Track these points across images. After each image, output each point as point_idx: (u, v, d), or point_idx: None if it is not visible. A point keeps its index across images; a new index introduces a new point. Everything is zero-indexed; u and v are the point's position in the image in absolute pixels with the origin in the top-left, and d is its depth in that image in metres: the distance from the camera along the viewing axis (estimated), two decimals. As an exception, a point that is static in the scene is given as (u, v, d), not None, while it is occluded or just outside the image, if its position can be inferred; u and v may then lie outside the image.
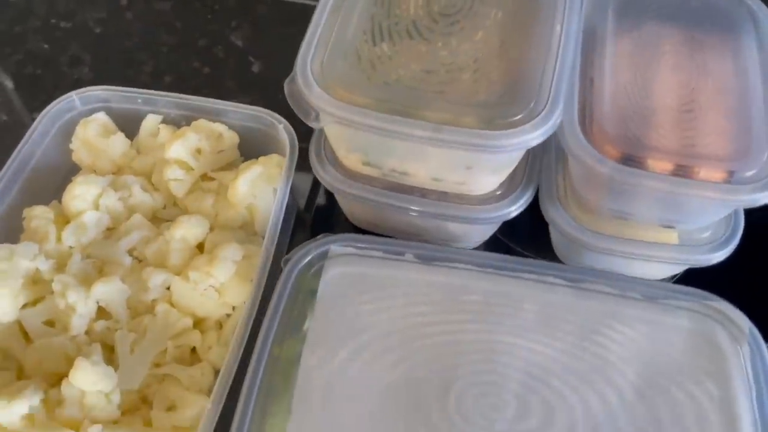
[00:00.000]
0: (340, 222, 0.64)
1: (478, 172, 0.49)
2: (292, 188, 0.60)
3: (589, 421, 0.44)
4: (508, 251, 0.62)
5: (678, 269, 0.58)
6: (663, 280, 0.58)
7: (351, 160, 0.52)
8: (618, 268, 0.57)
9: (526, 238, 0.62)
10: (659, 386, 0.45)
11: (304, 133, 0.59)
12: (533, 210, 0.55)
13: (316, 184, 0.67)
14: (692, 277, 0.57)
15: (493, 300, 0.49)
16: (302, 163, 0.57)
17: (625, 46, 0.53)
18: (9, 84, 0.75)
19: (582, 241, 0.53)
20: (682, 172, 0.46)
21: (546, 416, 0.44)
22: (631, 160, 0.47)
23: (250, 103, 0.72)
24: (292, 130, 0.59)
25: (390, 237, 0.53)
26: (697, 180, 0.46)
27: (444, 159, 0.48)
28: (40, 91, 0.74)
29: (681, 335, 0.48)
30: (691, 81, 0.51)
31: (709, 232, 0.53)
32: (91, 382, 0.45)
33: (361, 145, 0.50)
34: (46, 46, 0.78)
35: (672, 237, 0.53)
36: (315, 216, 0.66)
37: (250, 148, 0.62)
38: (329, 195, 0.63)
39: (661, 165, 0.47)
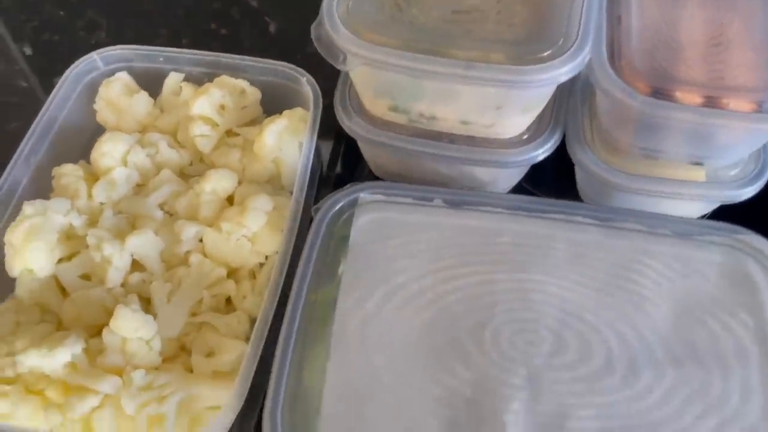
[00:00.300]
0: (364, 178, 0.65)
1: (508, 112, 0.49)
2: (317, 144, 0.60)
3: (624, 353, 0.44)
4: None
5: (707, 208, 0.58)
6: (691, 221, 0.58)
7: (378, 106, 0.52)
8: (646, 208, 0.57)
9: (551, 185, 0.62)
10: (694, 318, 0.46)
11: (326, 90, 0.59)
12: (558, 157, 0.55)
13: (337, 144, 0.67)
14: (720, 217, 0.57)
15: (523, 241, 0.49)
16: (323, 123, 0.57)
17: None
18: (28, 50, 0.75)
19: (610, 182, 0.53)
20: (711, 103, 0.46)
21: (582, 350, 0.44)
22: (660, 93, 0.47)
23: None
24: (315, 83, 0.59)
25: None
26: (727, 110, 0.46)
27: (474, 99, 0.48)
28: (58, 57, 0.74)
29: (713, 269, 0.48)
30: (718, 17, 0.51)
31: (738, 169, 0.53)
32: (132, 329, 0.45)
33: (388, 89, 0.50)
34: (61, 12, 0.78)
35: (700, 175, 0.53)
36: (338, 175, 0.67)
37: (273, 104, 0.62)
38: (352, 153, 0.63)
39: (690, 97, 0.47)
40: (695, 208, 0.57)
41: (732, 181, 0.52)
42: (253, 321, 0.50)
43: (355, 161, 0.64)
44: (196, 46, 0.74)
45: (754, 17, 0.51)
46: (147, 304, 0.50)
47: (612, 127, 0.52)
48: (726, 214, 0.56)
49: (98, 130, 0.62)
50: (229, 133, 0.60)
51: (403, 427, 0.42)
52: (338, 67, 0.47)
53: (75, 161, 0.58)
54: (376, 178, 0.63)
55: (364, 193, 0.52)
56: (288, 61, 0.71)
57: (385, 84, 0.50)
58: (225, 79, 0.60)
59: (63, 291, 0.51)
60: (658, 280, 0.48)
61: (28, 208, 0.51)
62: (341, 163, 0.66)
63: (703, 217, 0.59)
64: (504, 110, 0.49)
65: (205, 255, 0.52)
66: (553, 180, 0.62)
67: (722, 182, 0.52)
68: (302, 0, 0.77)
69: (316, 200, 0.63)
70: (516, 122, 0.51)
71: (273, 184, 0.59)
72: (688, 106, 0.46)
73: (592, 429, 0.41)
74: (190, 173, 0.59)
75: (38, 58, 0.75)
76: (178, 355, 0.48)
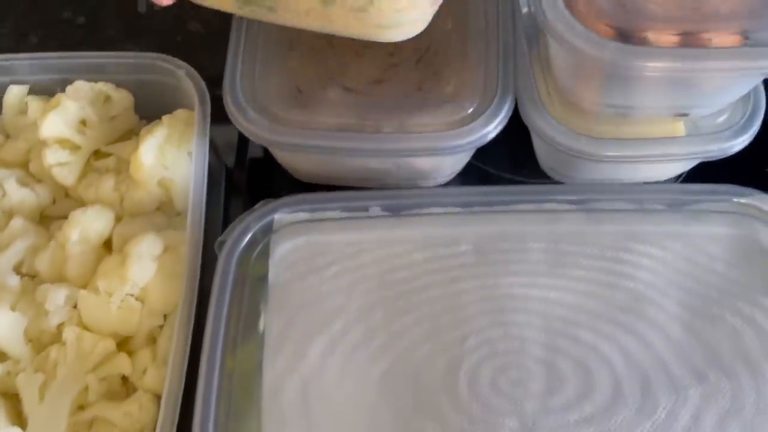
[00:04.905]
0: (284, 175, 0.53)
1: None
2: (213, 145, 0.47)
3: (634, 375, 0.35)
4: (485, 178, 0.52)
5: (685, 167, 0.49)
6: (668, 180, 0.50)
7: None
8: (619, 175, 0.48)
9: (505, 157, 0.52)
10: (709, 315, 0.37)
11: (216, 78, 0.47)
12: (510, 122, 0.45)
13: (245, 140, 0.54)
14: (699, 177, 0.49)
15: (488, 246, 0.39)
16: (220, 112, 0.45)
17: None
18: None
19: (578, 151, 0.43)
20: (690, 41, 0.37)
21: (583, 380, 0.35)
22: (628, 35, 0.37)
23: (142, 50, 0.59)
24: (197, 75, 0.47)
25: (346, 189, 0.43)
26: (710, 48, 0.36)
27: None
28: None
29: (720, 245, 0.39)
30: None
31: (724, 117, 0.44)
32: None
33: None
34: None
35: (678, 128, 0.44)
36: (250, 173, 0.54)
37: (152, 106, 0.49)
38: (266, 150, 0.51)
39: (665, 37, 0.37)
40: (673, 168, 0.48)
41: (718, 132, 0.43)
42: (159, 402, 0.38)
43: (272, 160, 0.52)
44: (48, 42, 0.60)
45: None
46: (15, 404, 0.38)
47: (572, 84, 0.42)
48: (707, 170, 0.47)
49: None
50: (98, 154, 0.47)
51: None
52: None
53: None
54: (299, 182, 0.51)
55: (281, 213, 0.41)
56: (166, 45, 0.58)
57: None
58: (82, 85, 0.47)
59: None
60: (656, 269, 0.38)
61: None
62: (253, 157, 0.54)
63: (679, 177, 0.50)
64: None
65: (83, 326, 0.40)
66: (507, 149, 0.51)
67: (707, 135, 0.43)
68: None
69: (226, 214, 0.52)
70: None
71: (165, 210, 0.46)
72: (664, 49, 0.36)
73: (613, 485, 0.33)
74: (54, 214, 0.46)
75: None
76: (64, 470, 0.37)
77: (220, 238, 0.41)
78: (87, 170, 0.46)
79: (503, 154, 0.51)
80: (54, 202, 0.47)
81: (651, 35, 0.37)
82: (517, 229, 0.40)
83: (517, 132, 0.46)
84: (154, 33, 0.60)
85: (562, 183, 0.48)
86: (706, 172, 0.47)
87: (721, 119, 0.44)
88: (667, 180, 0.50)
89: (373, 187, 0.47)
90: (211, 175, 0.44)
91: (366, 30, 0.38)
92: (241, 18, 0.47)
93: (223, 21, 0.62)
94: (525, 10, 0.52)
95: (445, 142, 0.42)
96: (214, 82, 0.56)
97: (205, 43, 0.59)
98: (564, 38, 0.36)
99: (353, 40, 0.45)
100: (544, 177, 0.51)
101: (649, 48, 0.36)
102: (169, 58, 0.47)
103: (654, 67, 0.36)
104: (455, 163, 0.48)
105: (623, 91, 0.40)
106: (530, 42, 0.47)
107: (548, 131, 0.43)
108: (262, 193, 0.53)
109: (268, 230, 0.40)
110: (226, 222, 0.51)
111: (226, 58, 0.47)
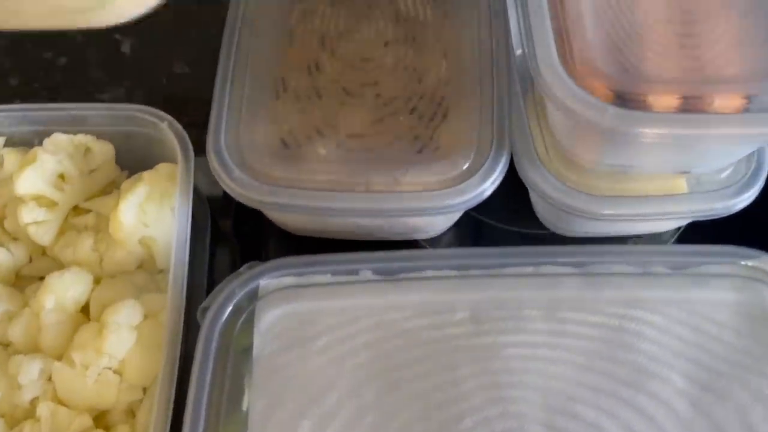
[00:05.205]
0: (272, 228, 0.51)
1: None
2: (198, 195, 0.46)
3: (640, 458, 0.33)
4: (479, 228, 0.50)
5: (681, 222, 0.47)
6: (667, 233, 0.48)
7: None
8: (617, 229, 0.46)
9: (500, 207, 0.50)
10: (717, 389, 0.35)
11: (202, 122, 0.45)
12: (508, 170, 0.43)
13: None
14: (703, 227, 0.47)
15: (484, 314, 0.37)
16: (204, 152, 0.43)
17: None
18: None
19: (576, 209, 0.41)
20: (690, 105, 0.35)
21: (585, 464, 0.33)
22: (627, 98, 0.35)
23: (126, 95, 0.57)
24: (180, 128, 0.45)
25: (336, 250, 0.41)
26: (711, 113, 0.35)
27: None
28: None
29: (727, 311, 0.38)
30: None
31: (728, 172, 0.42)
32: None
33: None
34: None
35: (680, 184, 0.42)
36: (236, 223, 0.52)
37: (134, 158, 0.48)
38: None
39: (665, 100, 0.35)
40: (673, 222, 0.46)
41: (721, 189, 0.41)
42: (140, 482, 0.36)
43: (261, 214, 0.50)
44: (29, 85, 0.58)
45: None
46: (-15, 488, 0.36)
47: (569, 142, 0.40)
48: (705, 224, 0.45)
49: None
50: (77, 209, 0.45)
51: None
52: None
53: None
54: (287, 232, 0.49)
55: (267, 278, 0.39)
56: (149, 89, 0.57)
57: None
58: (59, 138, 0.45)
59: None
60: (660, 340, 0.37)
61: None
62: (240, 220, 0.52)
63: (678, 230, 0.48)
64: None
65: (58, 400, 0.37)
66: (503, 199, 0.49)
67: (710, 192, 0.41)
68: (159, 9, 0.62)
69: (211, 272, 0.50)
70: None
71: (147, 268, 0.44)
72: (664, 115, 0.35)
73: None
74: (30, 273, 0.44)
75: None
76: None
77: (203, 305, 0.39)
78: (65, 227, 0.44)
79: (498, 204, 0.49)
80: (30, 260, 0.45)
81: (651, 98, 0.35)
82: (515, 294, 0.38)
83: (512, 182, 0.44)
84: (138, 74, 0.58)
85: (560, 237, 0.46)
86: (706, 225, 0.45)
87: (724, 175, 0.42)
88: (665, 232, 0.48)
89: (363, 239, 0.46)
90: (195, 226, 0.42)
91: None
92: (227, 65, 0.46)
93: (210, 62, 0.60)
94: (519, 52, 0.50)
95: (439, 202, 0.40)
96: (200, 126, 0.55)
97: (191, 85, 0.58)
98: (561, 102, 0.35)
99: (343, 86, 0.43)
100: (540, 227, 0.49)
101: (650, 114, 0.34)
102: (152, 110, 0.45)
103: (654, 133, 0.34)
104: (449, 218, 0.46)
105: (623, 152, 0.38)
106: (524, 86, 0.45)
107: (545, 188, 0.42)
108: (249, 241, 0.52)
109: (253, 297, 0.39)
110: (211, 275, 0.49)
111: (211, 100, 0.45)
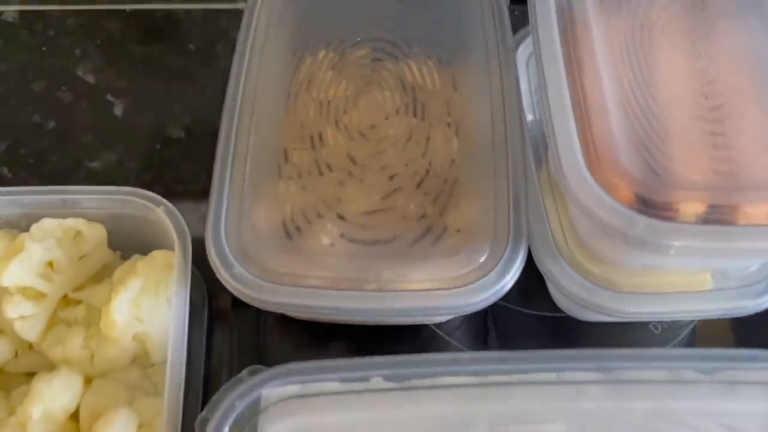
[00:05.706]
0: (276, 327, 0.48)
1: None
2: (194, 273, 0.43)
3: None
4: (494, 311, 0.48)
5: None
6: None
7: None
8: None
9: (516, 290, 0.47)
10: None
11: (199, 191, 0.43)
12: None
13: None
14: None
15: (505, 428, 0.35)
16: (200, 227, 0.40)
17: (616, 30, 0.38)
18: None
19: (596, 305, 0.39)
20: (720, 215, 0.33)
21: None
22: (656, 207, 0.33)
23: (117, 162, 0.55)
24: (176, 213, 0.42)
25: (339, 338, 0.39)
26: (740, 226, 0.33)
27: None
28: None
29: (758, 424, 0.35)
30: (709, 67, 0.38)
31: (756, 266, 0.40)
32: None
33: None
34: None
35: (705, 280, 0.40)
36: (237, 305, 0.50)
37: (127, 240, 0.45)
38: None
39: (694, 207, 0.33)
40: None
41: (748, 285, 0.39)
42: None
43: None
44: (15, 150, 0.56)
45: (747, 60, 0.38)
46: None
47: (593, 245, 0.38)
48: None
49: None
50: (66, 299, 0.43)
51: None
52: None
53: None
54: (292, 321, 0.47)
55: (269, 387, 0.36)
56: (143, 154, 0.55)
57: None
58: (48, 224, 0.42)
59: None
60: (694, 456, 0.34)
61: None
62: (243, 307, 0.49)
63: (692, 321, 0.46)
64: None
65: None
66: (519, 282, 0.47)
67: (736, 289, 0.39)
68: (152, 64, 0.60)
69: (208, 362, 0.46)
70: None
71: (140, 362, 0.42)
72: (694, 227, 0.33)
73: None
74: (16, 369, 0.41)
75: None
76: None
77: (201, 416, 0.36)
78: (54, 320, 0.42)
79: (514, 287, 0.47)
80: (16, 355, 0.42)
81: (682, 206, 0.33)
82: (537, 406, 0.35)
83: (528, 262, 0.41)
84: (131, 139, 0.56)
85: (578, 321, 0.44)
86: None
87: (753, 269, 0.40)
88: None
89: (369, 324, 0.43)
90: (191, 310, 0.40)
91: None
92: (226, 144, 0.43)
93: (205, 126, 0.58)
94: (530, 117, 0.48)
95: (455, 302, 0.37)
96: (196, 195, 0.53)
97: (187, 151, 0.55)
98: (587, 209, 0.33)
99: (349, 162, 0.41)
100: (556, 311, 0.47)
101: (681, 225, 0.32)
102: (147, 193, 0.43)
103: (685, 246, 0.32)
104: (463, 309, 0.43)
105: (650, 256, 0.36)
106: (538, 158, 0.43)
107: (564, 283, 0.40)
108: (250, 327, 0.49)
109: (255, 408, 0.36)
110: (209, 359, 0.46)
111: (207, 168, 0.42)
